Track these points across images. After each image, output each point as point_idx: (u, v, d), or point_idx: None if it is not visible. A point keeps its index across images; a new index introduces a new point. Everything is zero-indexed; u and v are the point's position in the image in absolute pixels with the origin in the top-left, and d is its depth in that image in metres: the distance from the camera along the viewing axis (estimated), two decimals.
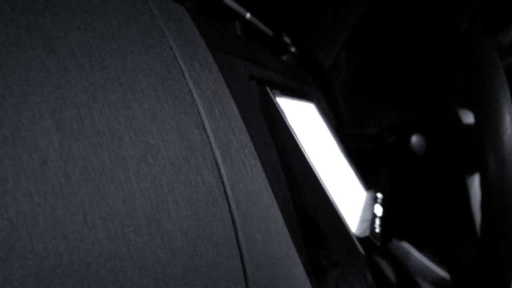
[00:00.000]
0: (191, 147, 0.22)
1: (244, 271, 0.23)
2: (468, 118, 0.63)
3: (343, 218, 0.36)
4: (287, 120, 0.38)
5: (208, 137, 0.24)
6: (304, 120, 0.49)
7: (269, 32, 0.62)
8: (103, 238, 0.15)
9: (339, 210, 0.36)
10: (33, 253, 0.12)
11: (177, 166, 0.20)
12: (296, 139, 0.37)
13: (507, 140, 0.45)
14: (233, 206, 0.23)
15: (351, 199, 0.47)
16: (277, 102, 0.39)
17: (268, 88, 0.39)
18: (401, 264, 0.80)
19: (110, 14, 0.20)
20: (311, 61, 0.81)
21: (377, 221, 0.43)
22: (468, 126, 0.62)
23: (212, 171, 0.23)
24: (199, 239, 0.20)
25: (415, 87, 1.01)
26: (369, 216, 0.44)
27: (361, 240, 0.36)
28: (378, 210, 0.48)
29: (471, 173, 0.64)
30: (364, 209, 0.48)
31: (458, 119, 0.63)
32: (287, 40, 0.68)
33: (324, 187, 0.36)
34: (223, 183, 0.23)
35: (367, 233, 0.38)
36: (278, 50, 0.67)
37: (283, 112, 0.38)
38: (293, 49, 0.71)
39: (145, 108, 0.19)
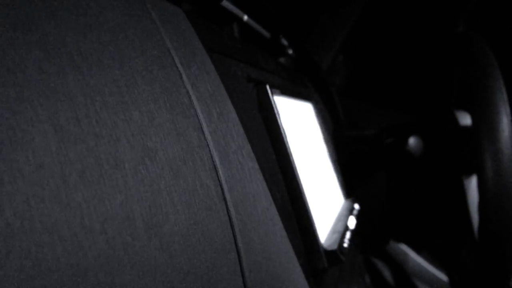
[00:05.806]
0: (189, 149, 0.22)
1: (243, 273, 0.23)
2: (465, 119, 0.63)
3: (315, 226, 0.37)
4: (279, 119, 0.38)
5: (206, 139, 0.24)
6: (299, 120, 0.49)
7: (267, 34, 0.62)
8: (100, 241, 0.15)
9: (312, 217, 0.37)
10: (30, 256, 0.12)
11: (175, 169, 0.20)
12: (284, 139, 0.38)
13: (504, 142, 0.45)
14: (231, 209, 0.23)
15: (328, 206, 0.48)
16: (273, 100, 0.39)
17: (267, 86, 0.39)
18: (399, 266, 0.80)
19: (108, 16, 0.20)
20: (309, 63, 0.81)
21: (348, 235, 0.44)
22: (465, 127, 0.63)
23: (210, 173, 0.23)
24: (197, 242, 0.20)
25: (412, 89, 1.01)
26: (341, 228, 0.45)
27: (328, 253, 0.37)
28: (352, 222, 0.49)
29: (469, 174, 0.64)
30: (338, 219, 0.49)
31: (455, 121, 0.63)
32: (285, 42, 0.68)
33: (302, 191, 0.37)
34: (221, 185, 0.23)
35: (334, 246, 0.39)
36: (275, 52, 0.67)
37: (277, 111, 0.39)
38: (290, 51, 0.71)
39: (143, 111, 0.19)
